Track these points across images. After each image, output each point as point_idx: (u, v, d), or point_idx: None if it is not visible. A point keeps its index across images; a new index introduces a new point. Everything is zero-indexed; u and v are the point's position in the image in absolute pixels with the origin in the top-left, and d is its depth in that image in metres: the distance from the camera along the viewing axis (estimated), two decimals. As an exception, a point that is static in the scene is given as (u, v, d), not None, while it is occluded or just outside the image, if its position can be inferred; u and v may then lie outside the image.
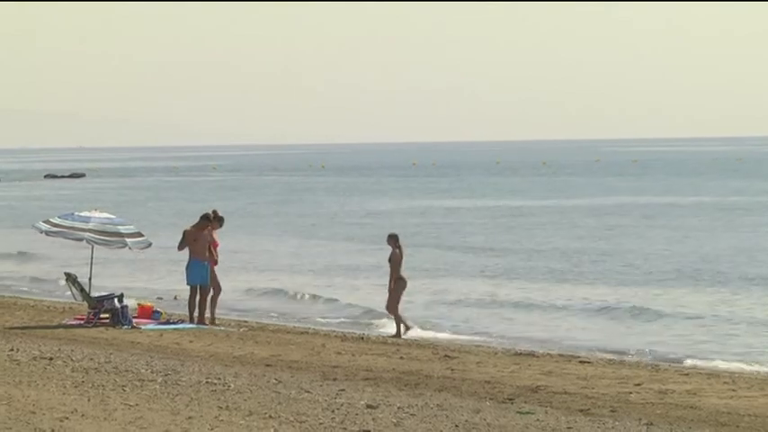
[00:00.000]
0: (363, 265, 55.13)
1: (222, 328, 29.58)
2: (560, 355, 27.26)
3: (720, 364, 26.25)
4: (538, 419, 16.24)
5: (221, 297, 32.04)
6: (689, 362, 27.06)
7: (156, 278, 35.81)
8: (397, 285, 31.02)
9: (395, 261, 31.05)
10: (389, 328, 34.05)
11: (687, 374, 23.57)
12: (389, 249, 33.04)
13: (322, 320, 35.28)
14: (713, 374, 23.70)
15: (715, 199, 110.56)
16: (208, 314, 31.02)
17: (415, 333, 32.71)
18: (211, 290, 30.92)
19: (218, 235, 31.53)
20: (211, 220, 31.37)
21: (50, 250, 40.26)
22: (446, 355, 25.69)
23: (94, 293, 29.60)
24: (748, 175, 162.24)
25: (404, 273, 31.62)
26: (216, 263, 31.27)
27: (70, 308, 29.57)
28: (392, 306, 30.89)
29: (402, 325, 31.03)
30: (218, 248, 31.32)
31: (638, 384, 21.19)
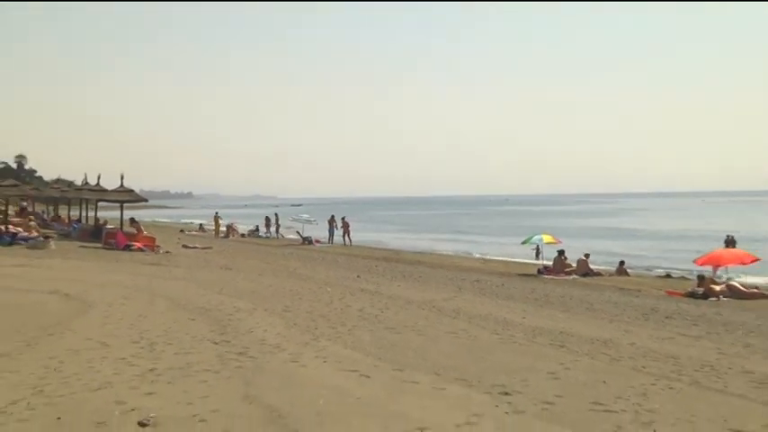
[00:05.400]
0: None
1: (333, 246, 29.82)
2: (434, 254, 28.05)
3: (486, 256, 27.32)
4: (425, 271, 18.66)
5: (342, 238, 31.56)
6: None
7: (321, 233, 31.76)
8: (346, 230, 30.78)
9: (345, 224, 30.84)
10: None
11: (475, 258, 25.79)
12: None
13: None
14: (486, 259, 25.41)
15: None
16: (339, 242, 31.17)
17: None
18: (347, 237, 30.89)
19: (351, 225, 31.16)
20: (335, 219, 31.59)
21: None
22: (396, 252, 27.33)
23: (305, 236, 31.01)
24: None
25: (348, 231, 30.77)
26: (347, 228, 31.02)
27: (302, 242, 30.00)
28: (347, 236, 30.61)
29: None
30: (351, 226, 31.25)
31: (462, 263, 23.12)
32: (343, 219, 31.17)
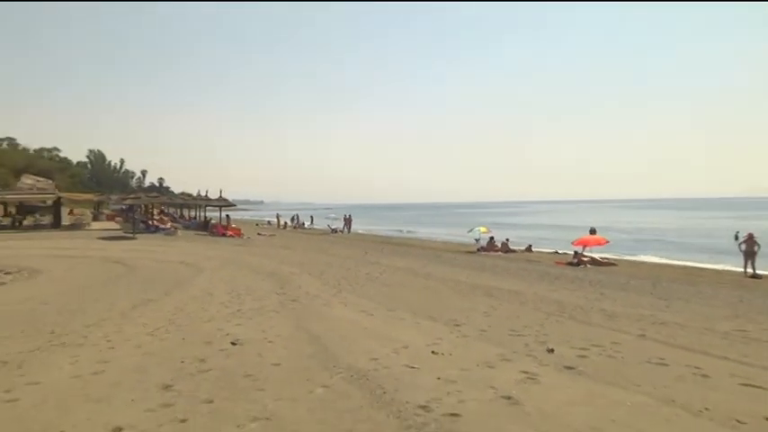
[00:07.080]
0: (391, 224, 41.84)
1: (349, 234, 25.51)
2: (413, 238, 25.35)
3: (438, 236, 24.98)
4: (407, 249, 16.45)
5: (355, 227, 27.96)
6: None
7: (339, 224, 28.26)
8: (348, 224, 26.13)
9: (348, 220, 26.67)
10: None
11: (436, 241, 22.78)
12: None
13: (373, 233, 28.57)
14: (444, 241, 22.99)
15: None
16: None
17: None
18: (347, 228, 26.44)
19: (352, 221, 27.21)
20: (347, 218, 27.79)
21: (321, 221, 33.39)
22: (389, 238, 24.48)
23: (332, 226, 29.26)
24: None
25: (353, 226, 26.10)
26: (350, 221, 27.22)
27: (331, 231, 26.55)
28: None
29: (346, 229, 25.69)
30: (352, 222, 27.20)
31: (430, 244, 20.63)
32: (345, 216, 28.98)
